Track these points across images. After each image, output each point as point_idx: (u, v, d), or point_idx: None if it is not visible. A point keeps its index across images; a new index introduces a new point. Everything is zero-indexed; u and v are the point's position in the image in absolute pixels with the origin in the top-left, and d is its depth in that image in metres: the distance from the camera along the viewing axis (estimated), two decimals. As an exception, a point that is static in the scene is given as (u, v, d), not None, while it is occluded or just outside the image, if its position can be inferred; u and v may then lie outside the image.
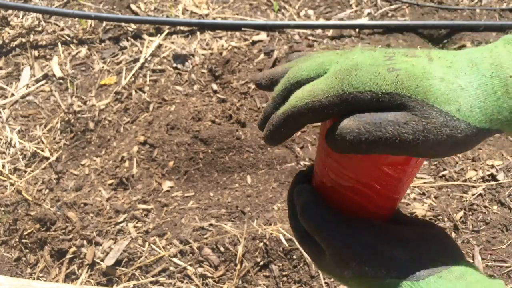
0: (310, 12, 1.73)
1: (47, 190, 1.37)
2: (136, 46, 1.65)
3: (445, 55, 0.30)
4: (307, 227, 0.35)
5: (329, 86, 0.30)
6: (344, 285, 0.35)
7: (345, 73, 0.30)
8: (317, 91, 0.30)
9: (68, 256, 1.22)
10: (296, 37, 1.62)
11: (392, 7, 1.74)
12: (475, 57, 0.30)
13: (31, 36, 1.74)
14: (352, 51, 0.33)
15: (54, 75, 1.62)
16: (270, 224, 1.17)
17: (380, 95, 0.28)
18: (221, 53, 1.56)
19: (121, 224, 1.25)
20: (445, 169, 1.30)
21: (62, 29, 1.75)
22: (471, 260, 1.13)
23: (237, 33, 1.63)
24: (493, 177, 1.26)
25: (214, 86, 1.49)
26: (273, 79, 0.36)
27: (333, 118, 0.31)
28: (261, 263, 1.14)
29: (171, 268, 1.16)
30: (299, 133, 1.37)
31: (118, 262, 1.18)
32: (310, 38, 1.63)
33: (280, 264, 1.13)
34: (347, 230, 0.33)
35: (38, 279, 1.22)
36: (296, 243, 1.13)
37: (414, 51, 0.31)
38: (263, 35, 1.61)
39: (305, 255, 1.12)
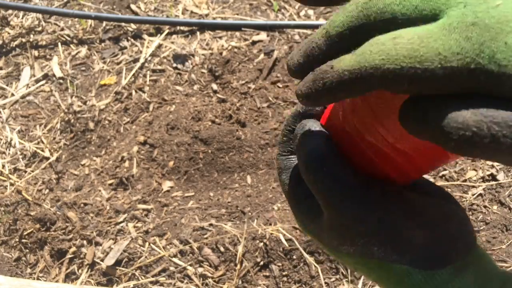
0: (310, 12, 1.73)
1: (47, 190, 1.37)
2: (136, 46, 1.65)
3: None
4: (311, 183, 0.26)
5: (452, 50, 0.18)
6: (340, 261, 0.30)
7: (487, 35, 0.18)
8: (428, 53, 0.18)
9: (68, 256, 1.22)
10: (296, 37, 1.62)
11: (392, 7, 1.74)
12: None
13: (31, 36, 1.74)
14: None
15: (54, 75, 1.62)
16: (270, 224, 1.17)
17: None
18: (221, 53, 1.56)
19: (121, 224, 1.25)
20: (445, 169, 1.30)
21: (62, 29, 1.75)
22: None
23: (237, 33, 1.63)
24: (493, 177, 1.26)
25: (214, 86, 1.49)
26: None
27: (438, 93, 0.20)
28: (261, 263, 1.14)
29: (171, 268, 1.16)
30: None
31: (118, 262, 1.18)
32: (310, 38, 1.63)
33: (280, 264, 1.13)
34: (363, 199, 0.25)
35: (38, 279, 1.22)
36: (301, 247, 1.13)
37: None
38: (263, 35, 1.61)
39: (305, 255, 1.13)
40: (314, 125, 0.28)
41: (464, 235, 0.28)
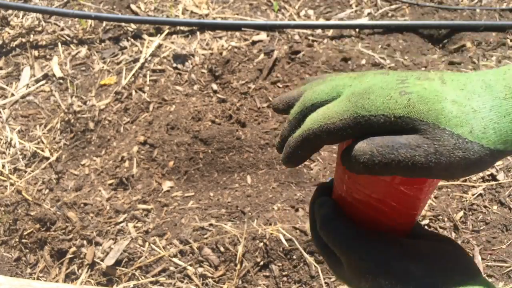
0: (310, 12, 1.73)
1: (47, 190, 1.37)
2: (136, 46, 1.65)
3: (458, 78, 0.31)
4: (326, 239, 0.36)
5: (343, 109, 0.31)
6: None
7: (358, 97, 0.31)
8: (332, 114, 0.31)
9: (68, 256, 1.22)
10: (296, 37, 1.62)
11: (392, 7, 1.74)
12: (488, 79, 0.30)
13: (31, 36, 1.74)
14: (365, 75, 0.34)
15: (54, 75, 1.62)
16: (270, 224, 1.17)
17: (392, 119, 0.29)
18: (221, 53, 1.56)
19: (121, 224, 1.25)
20: (445, 169, 1.29)
21: (62, 29, 1.75)
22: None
23: (237, 33, 1.63)
24: (493, 177, 1.26)
25: (214, 86, 1.49)
26: (289, 103, 0.37)
27: (348, 140, 0.31)
28: (261, 263, 1.14)
29: (171, 268, 1.16)
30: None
31: (118, 262, 1.18)
32: (310, 38, 1.63)
33: (280, 264, 1.13)
34: (363, 245, 0.34)
35: (38, 279, 1.22)
36: (301, 247, 1.13)
37: (427, 74, 0.31)
38: (263, 35, 1.61)
39: (305, 255, 1.13)
40: (325, 199, 0.39)
41: (461, 269, 0.33)
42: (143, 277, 1.16)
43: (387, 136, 0.29)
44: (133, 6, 1.77)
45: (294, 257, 1.13)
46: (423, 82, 0.30)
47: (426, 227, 1.18)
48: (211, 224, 1.21)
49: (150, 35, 1.67)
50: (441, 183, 1.27)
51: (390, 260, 0.33)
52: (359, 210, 0.36)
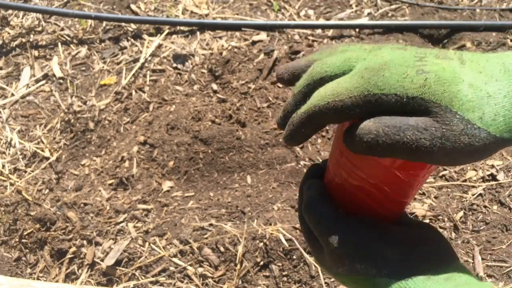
0: (310, 12, 1.73)
1: (47, 190, 1.37)
2: (136, 46, 1.65)
3: (478, 59, 0.29)
4: (308, 221, 0.35)
5: (354, 86, 0.29)
6: (340, 283, 0.36)
7: (372, 73, 0.29)
8: (341, 90, 0.29)
9: (68, 256, 1.22)
10: (296, 37, 1.62)
11: (392, 7, 1.74)
12: (509, 63, 0.29)
13: (31, 36, 1.74)
14: (381, 48, 0.32)
15: (54, 75, 1.62)
16: (270, 224, 1.17)
17: (404, 99, 0.27)
18: (221, 53, 1.56)
19: (121, 224, 1.25)
20: (445, 169, 1.30)
21: (62, 29, 1.75)
22: (470, 260, 1.14)
23: (237, 33, 1.63)
24: (493, 177, 1.26)
25: (214, 86, 1.49)
26: (295, 73, 0.35)
27: (355, 119, 0.30)
28: (261, 263, 1.14)
29: (171, 268, 1.16)
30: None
31: (118, 262, 1.18)
32: (310, 38, 1.63)
33: (280, 264, 1.13)
34: (343, 228, 0.33)
35: (38, 279, 1.22)
36: (301, 247, 1.13)
37: (447, 53, 0.30)
38: (263, 35, 1.61)
39: (305, 255, 1.13)
40: (314, 181, 0.38)
41: (439, 253, 0.34)
42: (143, 277, 1.16)
43: (396, 116, 0.28)
44: (133, 6, 1.77)
45: (294, 257, 1.13)
46: (442, 61, 0.28)
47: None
48: (211, 224, 1.21)
49: (150, 35, 1.67)
50: (441, 183, 1.27)
51: (368, 244, 0.32)
52: (351, 194, 0.35)
